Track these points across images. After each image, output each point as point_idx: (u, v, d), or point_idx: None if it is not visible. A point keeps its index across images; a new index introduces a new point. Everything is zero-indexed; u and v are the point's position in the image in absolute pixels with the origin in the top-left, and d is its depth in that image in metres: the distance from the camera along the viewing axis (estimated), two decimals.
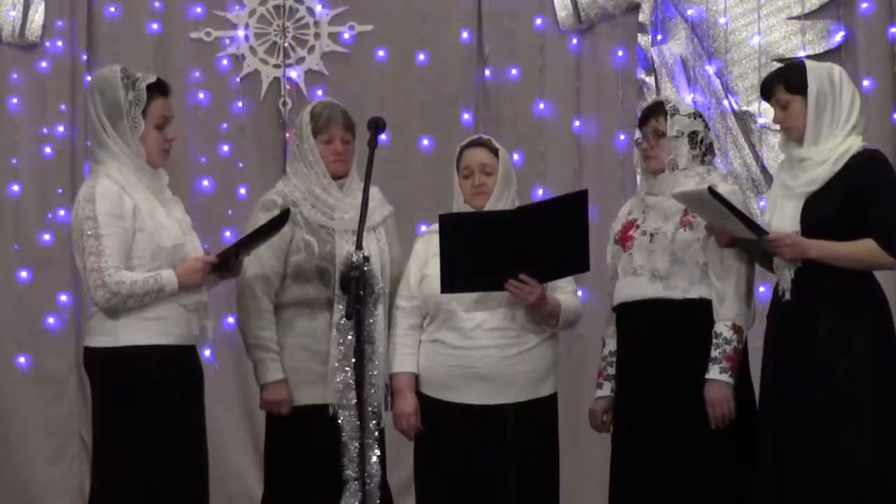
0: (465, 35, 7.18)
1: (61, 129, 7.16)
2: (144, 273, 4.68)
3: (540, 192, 6.97)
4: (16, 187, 7.18)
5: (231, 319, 6.27)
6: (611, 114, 7.10)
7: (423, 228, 5.30)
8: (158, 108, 4.80)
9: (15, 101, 7.17)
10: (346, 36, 7.21)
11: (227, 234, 6.86)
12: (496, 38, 7.20)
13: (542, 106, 7.15)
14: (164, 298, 4.70)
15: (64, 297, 7.09)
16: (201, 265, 4.78)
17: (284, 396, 5.03)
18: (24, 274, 7.14)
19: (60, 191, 7.14)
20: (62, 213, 7.11)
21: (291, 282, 5.06)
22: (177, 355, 4.76)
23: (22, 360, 7.14)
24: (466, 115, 7.13)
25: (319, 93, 7.01)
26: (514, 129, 7.09)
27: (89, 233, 4.64)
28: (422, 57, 7.19)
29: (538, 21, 7.17)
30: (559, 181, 6.98)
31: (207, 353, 6.86)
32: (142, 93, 4.75)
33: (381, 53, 7.19)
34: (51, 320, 7.12)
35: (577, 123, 7.15)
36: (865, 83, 6.80)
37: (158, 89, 4.82)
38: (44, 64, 7.17)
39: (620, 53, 7.14)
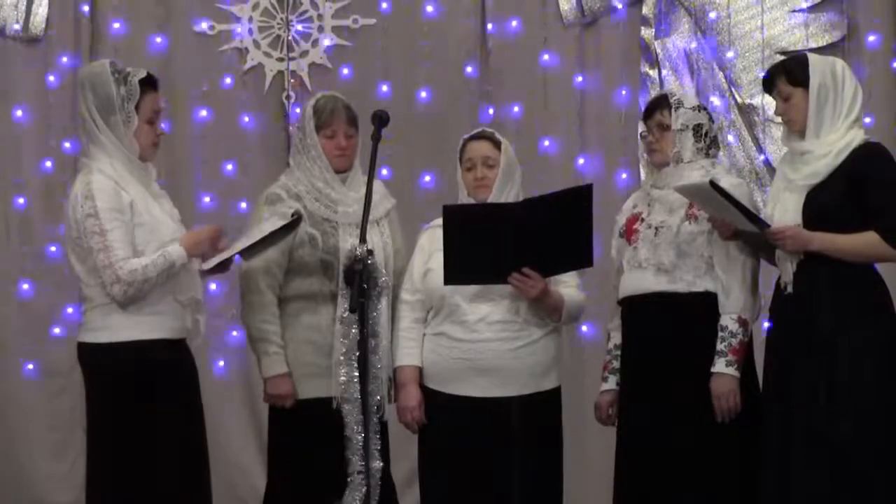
0: (468, 24, 7.18)
1: (67, 145, 7.14)
2: (152, 256, 4.69)
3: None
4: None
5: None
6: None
7: (425, 227, 5.29)
8: (150, 103, 4.81)
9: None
10: (350, 29, 7.20)
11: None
12: (500, 34, 7.20)
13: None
14: (176, 273, 4.72)
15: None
16: (206, 235, 4.80)
17: (288, 390, 5.03)
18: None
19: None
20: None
21: (295, 275, 5.06)
22: (171, 349, 4.77)
23: (30, 366, 7.13)
24: (471, 110, 7.15)
25: (323, 86, 7.01)
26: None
27: (94, 230, 4.65)
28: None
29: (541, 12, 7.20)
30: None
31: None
32: (134, 87, 4.76)
33: (384, 46, 7.18)
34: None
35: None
36: (867, 75, 6.79)
37: (149, 84, 4.82)
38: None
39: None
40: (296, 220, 4.92)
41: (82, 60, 7.10)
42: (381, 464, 4.88)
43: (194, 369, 4.91)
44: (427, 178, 7.10)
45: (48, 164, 7.14)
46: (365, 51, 7.19)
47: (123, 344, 4.69)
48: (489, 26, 7.20)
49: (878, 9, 7.00)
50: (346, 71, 7.15)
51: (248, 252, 4.89)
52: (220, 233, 4.90)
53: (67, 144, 7.13)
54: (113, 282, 4.64)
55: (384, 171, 6.81)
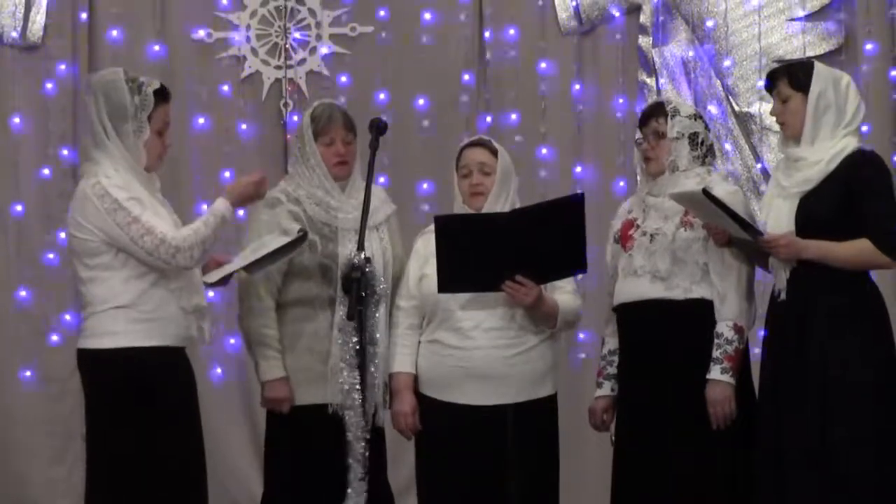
0: (466, 32, 7.19)
1: (65, 152, 7.15)
2: (198, 220, 4.77)
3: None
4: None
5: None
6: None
7: (424, 230, 5.29)
8: (162, 114, 4.82)
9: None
10: (348, 37, 7.21)
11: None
12: (497, 39, 7.21)
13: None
14: (227, 224, 4.81)
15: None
16: (250, 183, 4.89)
17: (285, 394, 5.03)
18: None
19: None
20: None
21: (294, 279, 5.06)
22: (172, 357, 4.77)
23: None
24: (469, 115, 7.15)
25: (321, 94, 7.01)
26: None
27: (127, 220, 4.66)
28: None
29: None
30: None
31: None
32: (148, 98, 4.77)
33: (382, 54, 7.19)
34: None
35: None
36: (864, 85, 6.80)
37: (162, 95, 4.83)
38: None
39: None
40: (301, 237, 4.93)
41: (80, 68, 7.12)
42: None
43: (193, 377, 4.91)
44: (425, 186, 7.10)
45: (46, 171, 7.14)
46: (363, 59, 7.20)
47: (123, 350, 4.69)
48: (486, 34, 7.20)
49: (875, 18, 7.00)
50: (343, 79, 7.16)
51: (252, 267, 4.90)
52: (263, 180, 4.94)
53: (66, 152, 7.14)
54: (173, 253, 4.66)
55: (381, 179, 6.81)
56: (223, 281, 4.94)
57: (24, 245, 7.15)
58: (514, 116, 7.18)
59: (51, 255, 7.13)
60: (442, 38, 7.21)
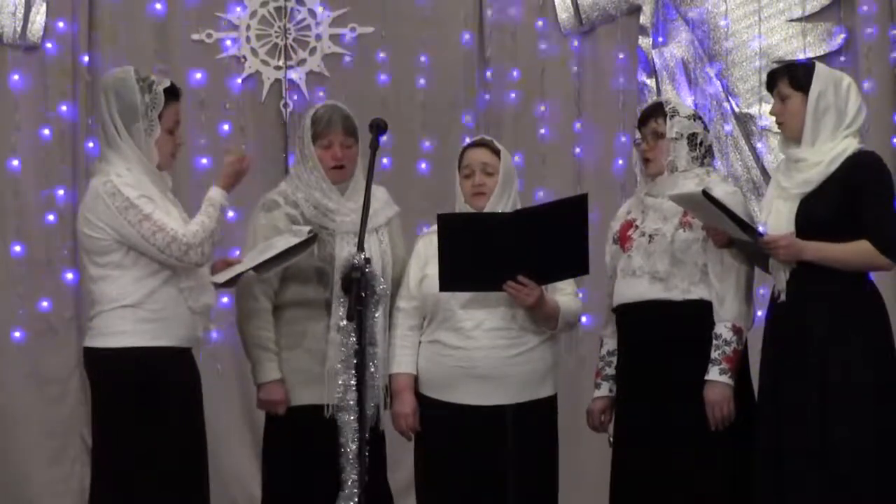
0: (466, 37, 7.19)
1: (64, 108, 7.15)
2: (199, 215, 4.79)
3: (541, 194, 7.00)
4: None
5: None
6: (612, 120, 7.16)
7: (425, 229, 5.29)
8: (172, 113, 4.84)
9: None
10: (348, 38, 7.21)
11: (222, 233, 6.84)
12: (497, 41, 7.21)
13: (542, 108, 7.16)
14: (226, 211, 4.85)
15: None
16: (234, 167, 4.92)
17: (281, 396, 5.03)
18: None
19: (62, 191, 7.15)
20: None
21: (290, 282, 5.06)
22: (177, 357, 4.77)
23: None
24: (468, 117, 7.15)
25: (321, 94, 7.02)
26: (514, 132, 7.10)
27: (138, 218, 4.68)
28: (423, 59, 7.19)
29: (539, 24, 7.20)
30: (558, 183, 7.03)
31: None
32: (159, 96, 4.78)
33: (382, 55, 7.19)
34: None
35: (577, 125, 7.17)
36: (866, 85, 6.81)
37: (172, 94, 4.85)
38: (46, 65, 7.16)
39: (621, 56, 7.16)
40: (311, 238, 4.94)
41: (79, 70, 7.11)
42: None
43: (198, 377, 4.92)
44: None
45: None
46: (362, 59, 7.19)
47: (130, 350, 4.70)
48: (487, 33, 7.21)
49: (875, 18, 7.00)
50: (343, 79, 7.15)
51: (261, 267, 4.91)
52: (244, 159, 4.97)
53: (65, 108, 7.12)
54: (185, 251, 4.68)
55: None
56: (232, 282, 4.95)
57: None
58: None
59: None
60: (442, 36, 7.20)
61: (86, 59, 7.16)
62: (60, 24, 7.15)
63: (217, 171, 6.97)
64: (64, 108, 7.15)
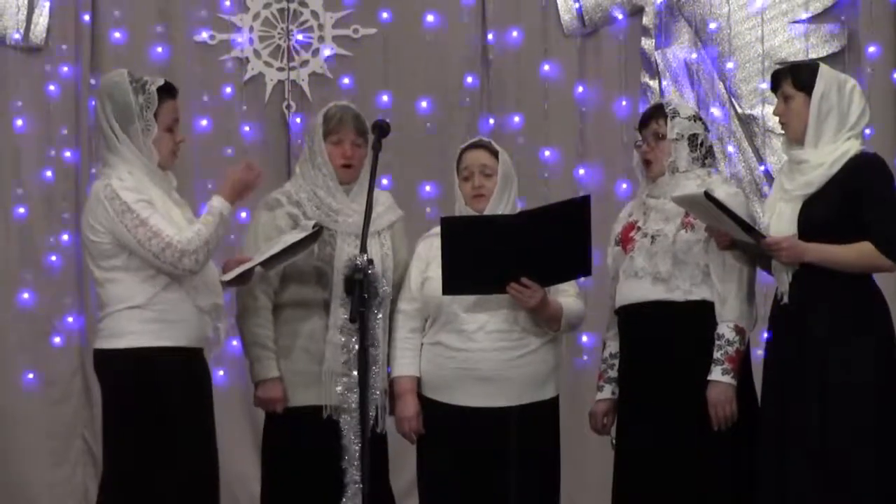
0: (469, 38, 7.19)
1: (68, 154, 7.15)
2: (197, 222, 4.75)
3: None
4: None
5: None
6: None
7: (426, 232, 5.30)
8: (168, 111, 4.83)
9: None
10: (351, 39, 7.21)
11: (232, 236, 6.85)
12: (500, 41, 7.21)
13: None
14: (227, 222, 4.79)
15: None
16: (240, 176, 4.87)
17: (278, 395, 5.04)
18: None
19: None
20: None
21: (290, 282, 5.07)
22: (187, 358, 4.77)
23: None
24: (470, 118, 7.17)
25: (323, 96, 7.03)
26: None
27: (135, 223, 4.67)
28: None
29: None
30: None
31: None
32: (152, 96, 4.77)
33: (384, 56, 7.19)
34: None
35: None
36: (868, 87, 6.79)
37: (167, 92, 4.84)
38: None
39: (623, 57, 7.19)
40: (317, 232, 4.94)
41: (83, 70, 7.12)
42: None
43: (208, 377, 4.92)
44: (428, 189, 7.10)
45: (48, 173, 7.14)
46: (365, 61, 7.20)
47: (137, 350, 4.70)
48: (490, 36, 7.21)
49: (877, 20, 7.00)
50: (346, 81, 7.16)
51: (268, 263, 4.91)
52: (251, 170, 4.93)
53: (68, 154, 7.14)
54: (179, 257, 4.67)
55: (384, 181, 6.82)
56: (240, 279, 4.94)
57: (27, 247, 7.15)
58: (517, 119, 7.18)
59: (53, 258, 7.12)
60: (445, 39, 7.21)
61: (89, 61, 7.17)
62: (63, 26, 7.16)
63: (219, 172, 7.06)
64: (68, 107, 7.15)
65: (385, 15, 7.21)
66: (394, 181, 6.95)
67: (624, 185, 7.03)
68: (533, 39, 7.22)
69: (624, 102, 7.14)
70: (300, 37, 7.20)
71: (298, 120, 7.10)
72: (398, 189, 6.79)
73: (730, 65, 7.06)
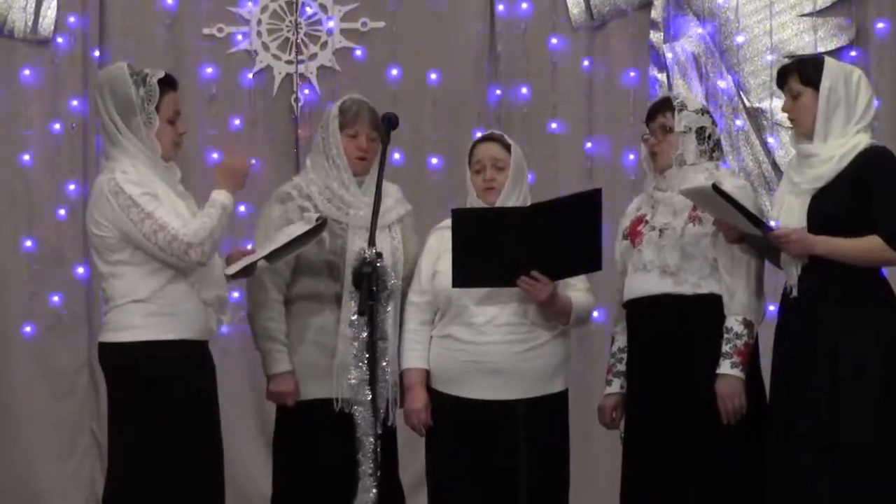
0: (477, 32, 7.20)
1: (75, 102, 7.17)
2: (201, 215, 4.75)
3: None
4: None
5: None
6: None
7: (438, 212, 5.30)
8: (170, 103, 4.82)
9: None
10: (359, 32, 7.21)
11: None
12: (508, 33, 7.21)
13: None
14: (231, 212, 4.79)
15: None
16: (237, 166, 4.88)
17: (290, 388, 5.04)
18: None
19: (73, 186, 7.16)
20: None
21: (301, 275, 5.07)
22: (192, 350, 4.78)
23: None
24: (478, 111, 7.16)
25: (332, 89, 7.03)
26: (524, 126, 7.12)
27: (140, 216, 4.66)
28: (434, 54, 7.19)
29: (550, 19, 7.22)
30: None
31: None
32: (153, 88, 4.77)
33: (393, 50, 7.19)
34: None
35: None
36: (877, 79, 6.79)
37: (168, 84, 4.83)
38: (55, 60, 7.16)
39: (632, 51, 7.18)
40: (321, 224, 4.94)
41: (90, 65, 7.12)
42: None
43: (213, 370, 4.92)
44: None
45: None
46: (374, 53, 7.19)
47: (142, 344, 4.70)
48: (497, 28, 7.20)
49: (886, 12, 7.00)
50: (354, 73, 7.15)
51: (273, 256, 4.91)
52: (247, 161, 4.94)
53: (75, 102, 7.15)
54: (185, 250, 4.66)
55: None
56: (244, 272, 4.95)
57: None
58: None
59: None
60: (453, 31, 7.21)
61: (96, 53, 7.17)
62: (71, 20, 7.18)
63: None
64: (74, 102, 7.16)
65: (393, 7, 7.19)
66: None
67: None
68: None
69: (632, 73, 7.13)
70: (308, 30, 7.19)
71: (306, 111, 7.11)
72: (408, 162, 6.85)
73: (738, 58, 7.05)
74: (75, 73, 7.18)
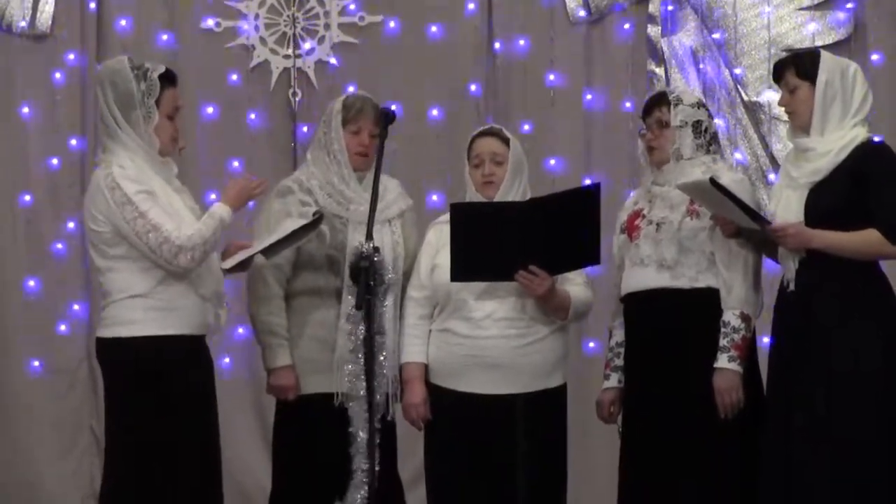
0: (474, 28, 7.19)
1: (74, 142, 7.15)
2: (198, 221, 4.74)
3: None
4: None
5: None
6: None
7: (434, 198, 5.30)
8: (170, 98, 4.82)
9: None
10: (357, 27, 7.21)
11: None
12: (506, 28, 7.21)
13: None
14: (227, 226, 4.78)
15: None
16: (243, 185, 4.87)
17: (291, 382, 5.05)
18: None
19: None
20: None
21: (302, 270, 5.08)
22: (189, 345, 4.78)
23: (36, 364, 7.13)
24: (476, 108, 7.17)
25: (330, 83, 7.03)
26: (524, 106, 7.11)
27: (134, 215, 4.66)
28: (431, 48, 7.19)
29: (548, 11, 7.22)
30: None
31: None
32: (154, 83, 4.77)
33: (390, 43, 7.19)
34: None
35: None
36: (874, 72, 6.80)
37: (168, 79, 4.83)
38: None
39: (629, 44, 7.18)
40: (317, 220, 4.94)
41: (89, 58, 7.13)
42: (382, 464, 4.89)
43: (210, 365, 4.92)
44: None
45: (55, 161, 7.15)
46: (371, 48, 7.19)
47: (141, 339, 4.70)
48: (496, 45, 7.19)
49: (884, 7, 7.00)
50: (352, 68, 7.14)
51: (269, 250, 4.91)
52: (253, 181, 4.93)
53: (74, 142, 7.14)
54: (175, 253, 4.66)
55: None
56: (240, 267, 4.95)
57: (33, 235, 7.15)
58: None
59: (59, 246, 7.12)
60: (450, 25, 7.21)
61: (94, 44, 7.18)
62: (68, 14, 7.16)
63: (222, 167, 7.07)
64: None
65: (391, 1, 7.19)
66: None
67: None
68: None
69: (628, 104, 7.11)
70: (306, 24, 7.19)
71: (305, 106, 7.10)
72: (403, 178, 6.81)
73: (736, 52, 7.05)
74: (73, 68, 7.17)
